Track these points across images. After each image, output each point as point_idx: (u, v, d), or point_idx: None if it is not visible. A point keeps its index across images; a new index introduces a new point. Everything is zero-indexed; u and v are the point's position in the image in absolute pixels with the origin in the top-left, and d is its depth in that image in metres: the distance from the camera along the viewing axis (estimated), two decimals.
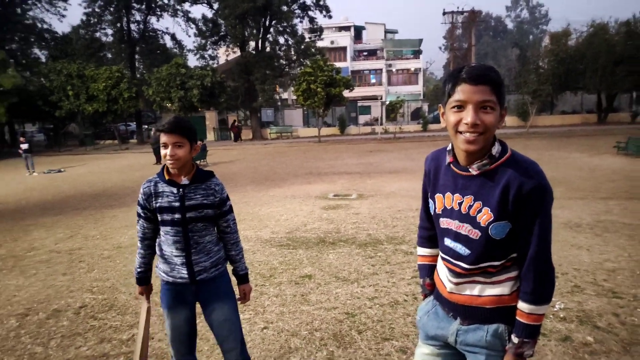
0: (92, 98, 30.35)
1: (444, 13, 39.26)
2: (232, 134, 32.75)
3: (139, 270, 2.38)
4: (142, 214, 2.27)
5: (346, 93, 28.41)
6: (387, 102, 35.78)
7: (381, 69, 49.93)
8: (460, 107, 1.44)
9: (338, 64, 33.32)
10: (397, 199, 8.92)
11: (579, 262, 4.79)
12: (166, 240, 2.25)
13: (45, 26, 42.74)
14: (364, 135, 31.88)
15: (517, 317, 1.50)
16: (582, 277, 4.34)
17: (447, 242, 1.61)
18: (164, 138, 2.15)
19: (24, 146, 18.59)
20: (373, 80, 50.32)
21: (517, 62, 34.93)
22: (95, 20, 37.07)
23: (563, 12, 64.64)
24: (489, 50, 73.50)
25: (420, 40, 53.32)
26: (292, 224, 7.20)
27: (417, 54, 51.77)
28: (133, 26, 39.18)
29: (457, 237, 1.56)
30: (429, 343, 1.75)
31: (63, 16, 64.17)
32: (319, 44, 34.22)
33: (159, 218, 2.21)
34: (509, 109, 35.69)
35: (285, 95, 43.64)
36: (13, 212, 10.02)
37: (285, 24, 32.34)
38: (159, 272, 2.31)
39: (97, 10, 36.46)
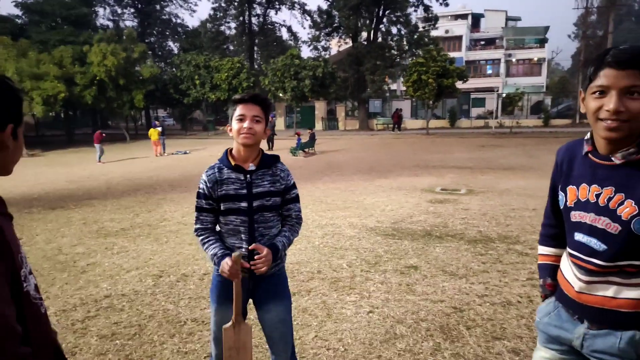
0: (215, 87, 32.96)
1: None
2: (393, 123, 31.29)
3: (221, 251, 2.01)
4: (205, 207, 2.07)
5: (459, 84, 27.21)
6: (504, 94, 33.50)
7: (499, 59, 46.81)
8: (603, 92, 1.34)
9: (452, 54, 31.95)
10: (512, 197, 8.39)
11: None
12: (228, 230, 2.07)
13: (178, 21, 47.43)
14: (476, 128, 30.27)
15: None
16: None
17: (579, 236, 1.49)
18: (241, 110, 1.99)
19: (159, 129, 20.87)
20: (489, 71, 47.41)
21: None
22: (221, 14, 40.09)
23: None
24: (629, 38, 64.87)
25: (547, 28, 48.84)
26: (398, 215, 7.16)
27: (542, 42, 47.53)
28: (254, 19, 41.70)
29: (591, 231, 1.44)
30: (550, 347, 1.65)
31: (194, 11, 70.68)
32: (433, 33, 33.12)
33: (222, 207, 2.03)
34: None
35: (393, 86, 43.12)
36: (147, 187, 11.34)
37: (399, 14, 31.86)
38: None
39: (222, 5, 39.37)
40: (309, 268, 4.74)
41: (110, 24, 42.85)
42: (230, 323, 2.02)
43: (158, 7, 46.04)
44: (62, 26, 32.06)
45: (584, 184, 1.48)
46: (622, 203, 1.37)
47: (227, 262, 1.93)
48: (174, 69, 37.28)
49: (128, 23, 45.50)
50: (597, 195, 1.43)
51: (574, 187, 1.52)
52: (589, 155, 1.48)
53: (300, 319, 3.54)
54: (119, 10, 45.54)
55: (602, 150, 1.44)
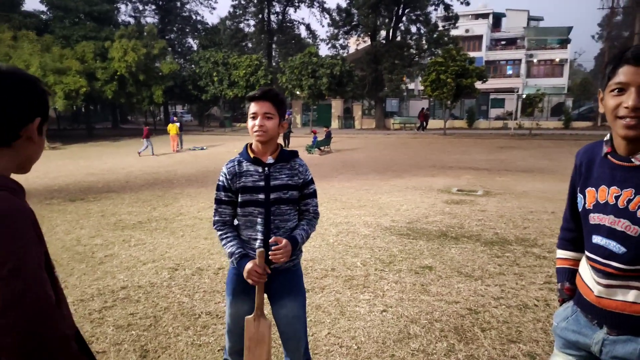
0: (233, 84, 33.17)
1: None
2: (419, 122, 30.90)
3: (238, 251, 2.05)
4: (224, 199, 2.10)
5: (478, 84, 26.85)
6: (524, 95, 32.97)
7: (520, 60, 46.09)
8: (622, 90, 1.32)
9: (472, 54, 31.54)
10: (530, 200, 8.26)
11: None
12: (245, 222, 2.10)
13: (198, 18, 47.85)
14: (495, 129, 29.88)
15: None
16: None
17: (597, 239, 1.46)
18: (253, 107, 2.04)
19: (177, 124, 21.09)
20: (510, 72, 46.71)
21: None
22: (240, 12, 40.32)
23: None
24: None
25: (570, 28, 47.92)
26: (413, 215, 7.12)
27: (564, 43, 46.63)
28: (273, 17, 41.83)
29: (610, 233, 1.42)
30: (568, 352, 1.62)
31: (214, 8, 71.02)
32: (453, 32, 32.77)
33: (240, 199, 2.06)
34: None
35: (411, 86, 42.81)
36: (164, 181, 11.48)
37: (418, 12, 31.66)
38: None
39: (242, 2, 39.55)
40: (323, 265, 4.74)
41: (132, 21, 43.40)
42: (252, 315, 2.06)
43: (179, 4, 46.54)
44: (85, 22, 32.57)
45: (603, 185, 1.46)
46: None
47: (253, 269, 1.96)
48: (192, 66, 37.62)
49: (149, 20, 46.20)
50: (617, 197, 1.41)
51: (593, 189, 1.49)
52: (608, 156, 1.46)
53: (314, 315, 3.54)
54: (141, 7, 46.12)
55: (621, 151, 1.41)
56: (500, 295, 3.91)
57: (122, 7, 48.34)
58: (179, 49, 47.86)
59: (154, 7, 46.11)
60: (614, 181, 1.42)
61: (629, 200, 1.37)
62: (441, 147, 20.26)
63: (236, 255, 2.04)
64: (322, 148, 19.20)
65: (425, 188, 9.78)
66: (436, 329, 3.31)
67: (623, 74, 1.31)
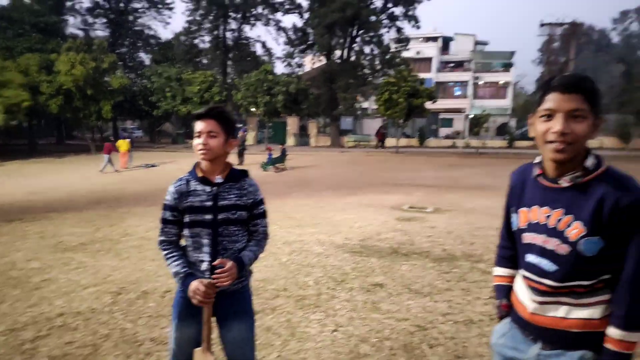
0: (186, 100, 32.59)
1: (542, 25, 37.18)
2: (376, 140, 31.56)
3: (183, 270, 1.99)
4: (170, 218, 2.04)
5: (428, 104, 27.86)
6: (472, 116, 34.50)
7: (467, 81, 48.23)
8: (550, 116, 1.40)
9: (422, 75, 32.69)
10: (477, 216, 8.56)
11: None
12: (192, 243, 2.04)
13: (151, 32, 46.90)
14: (444, 148, 31.00)
15: (606, 344, 1.39)
16: None
17: (530, 258, 1.53)
18: (198, 126, 1.99)
19: (128, 140, 20.43)
20: (458, 93, 48.72)
21: (621, 79, 32.06)
22: (195, 27, 39.94)
23: None
24: (588, 66, 68.07)
25: (513, 53, 50.75)
26: (366, 232, 7.19)
27: (507, 66, 49.29)
28: (228, 34, 41.70)
29: (542, 252, 1.48)
30: None
31: (168, 23, 70.13)
32: (405, 54, 33.96)
33: (187, 219, 2.01)
34: (607, 130, 32.79)
35: (365, 105, 43.76)
36: (111, 200, 11.03)
37: (372, 34, 32.59)
38: None
39: (197, 18, 39.27)
40: (275, 285, 4.68)
41: (81, 33, 41.97)
42: (202, 347, 1.99)
43: (131, 17, 45.51)
44: (30, 34, 31.15)
45: (535, 206, 1.52)
46: (570, 225, 1.41)
47: (198, 288, 1.90)
48: (144, 81, 36.72)
49: (99, 33, 44.69)
50: (548, 217, 1.47)
51: (526, 209, 1.55)
52: (539, 178, 1.53)
53: (264, 338, 3.47)
54: (90, 20, 44.70)
55: (550, 173, 1.48)
56: (448, 311, 3.99)
57: (71, 20, 46.64)
58: (130, 64, 46.58)
59: (104, 20, 44.83)
60: (545, 202, 1.48)
61: (559, 220, 1.44)
62: (394, 165, 20.73)
63: (181, 275, 1.98)
64: (277, 165, 19.14)
65: (378, 205, 9.93)
66: (386, 347, 3.32)
67: (550, 100, 1.39)
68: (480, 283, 4.72)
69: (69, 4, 42.05)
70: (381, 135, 31.20)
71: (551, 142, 1.39)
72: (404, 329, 3.61)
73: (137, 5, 45.39)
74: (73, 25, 52.48)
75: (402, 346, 3.33)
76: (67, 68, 26.46)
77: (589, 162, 1.41)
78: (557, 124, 1.37)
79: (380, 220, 8.21)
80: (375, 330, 3.60)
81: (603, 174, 1.40)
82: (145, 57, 47.76)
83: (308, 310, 4.03)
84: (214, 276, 1.92)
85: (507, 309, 1.72)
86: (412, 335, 3.51)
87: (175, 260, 2.02)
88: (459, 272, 5.09)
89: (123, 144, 20.27)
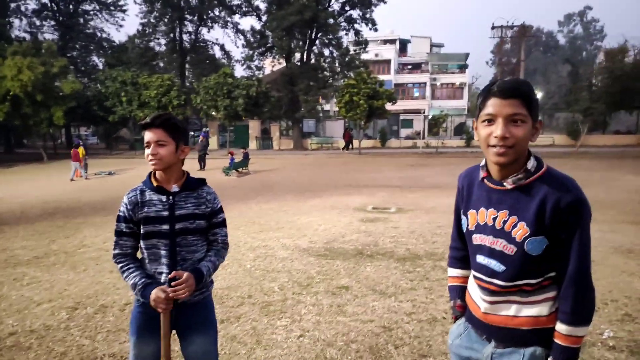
0: (143, 104, 31.65)
1: (493, 27, 38.43)
2: (345, 142, 31.34)
3: (142, 281, 1.93)
4: (125, 230, 1.98)
5: (389, 106, 28.28)
6: (430, 116, 35.33)
7: (425, 83, 49.46)
8: (491, 120, 1.45)
9: (382, 77, 33.20)
10: (438, 215, 8.77)
11: (631, 289, 4.54)
12: (149, 255, 1.99)
13: (104, 35, 45.33)
14: (405, 148, 31.57)
15: (555, 339, 1.45)
16: (633, 306, 4.11)
17: (480, 258, 1.57)
18: (146, 136, 1.94)
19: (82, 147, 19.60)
20: (416, 94, 49.88)
21: (568, 78, 33.67)
22: (150, 30, 38.93)
23: (620, 28, 61.91)
24: (538, 66, 71.31)
25: (467, 55, 52.47)
26: (330, 235, 7.21)
27: (463, 68, 50.93)
28: (185, 37, 40.92)
29: (491, 253, 1.53)
30: None
31: (121, 26, 68.12)
32: (364, 56, 34.40)
33: (143, 230, 1.95)
34: (558, 128, 34.31)
35: (327, 107, 43.99)
36: (66, 210, 10.57)
37: (331, 37, 32.81)
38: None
39: (152, 20, 38.33)
40: (239, 293, 4.62)
41: (28, 37, 40.03)
42: None
43: (81, 20, 43.83)
44: None
45: (482, 208, 1.57)
46: (515, 225, 1.46)
47: (158, 296, 1.85)
48: (98, 85, 35.44)
49: (48, 36, 42.72)
50: (494, 219, 1.52)
51: (474, 210, 1.60)
52: (485, 180, 1.58)
53: (229, 347, 3.41)
54: (38, 22, 42.72)
55: (495, 175, 1.54)
56: (412, 310, 4.06)
57: (16, 22, 44.51)
58: (83, 68, 44.86)
59: (53, 22, 42.97)
60: (491, 203, 1.54)
61: (505, 221, 1.49)
62: (357, 167, 20.92)
63: (139, 286, 1.91)
64: (239, 170, 18.93)
65: (342, 207, 9.99)
66: (352, 350, 3.34)
67: (491, 106, 1.44)
68: (442, 281, 4.82)
69: (13, 5, 40.03)
70: (348, 137, 31.36)
71: (493, 146, 1.44)
72: (370, 331, 3.65)
73: (87, 7, 43.86)
74: (18, 27, 50.15)
75: (368, 348, 3.36)
76: (13, 73, 25.14)
77: (530, 164, 1.47)
78: (497, 129, 1.42)
79: (344, 222, 8.26)
80: (341, 333, 3.62)
81: (544, 175, 1.46)
82: (98, 61, 46.16)
83: (274, 316, 4.00)
84: (170, 289, 1.87)
85: (462, 309, 1.77)
86: (377, 336, 3.55)
87: (132, 272, 1.96)
88: (422, 271, 5.19)
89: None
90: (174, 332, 2.04)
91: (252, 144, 34.82)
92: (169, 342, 1.94)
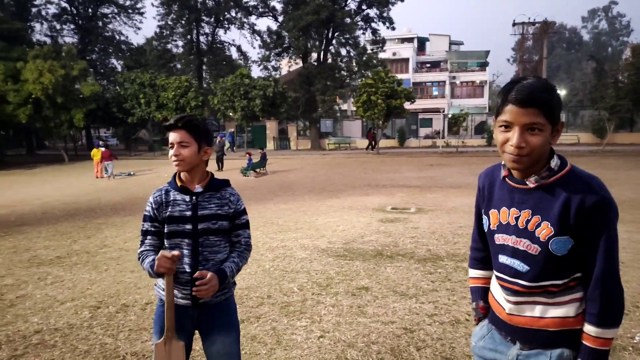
0: (161, 106, 32.09)
1: (514, 24, 37.88)
2: (369, 142, 30.80)
3: (153, 258, 1.95)
4: (151, 230, 2.03)
5: (407, 105, 28.04)
6: (450, 115, 34.90)
7: (444, 81, 48.96)
8: (508, 126, 1.41)
9: (400, 76, 32.96)
10: (459, 215, 8.63)
11: None
12: None
13: (122, 38, 46.12)
14: (424, 148, 31.26)
15: (583, 341, 1.40)
16: None
17: (503, 259, 1.53)
18: (170, 137, 1.99)
19: (102, 149, 19.96)
20: (435, 93, 49.41)
21: (593, 75, 32.85)
22: (168, 32, 39.45)
23: None
24: (561, 63, 69.98)
25: (487, 52, 51.78)
26: (349, 235, 7.16)
27: (483, 66, 50.26)
28: (202, 38, 41.32)
29: (514, 253, 1.49)
30: None
31: (139, 29, 69.06)
32: (381, 55, 34.20)
33: (167, 229, 1.99)
34: (583, 126, 33.45)
35: (344, 107, 43.91)
36: (86, 211, 10.74)
37: (347, 36, 32.72)
38: (158, 290, 2.06)
39: (169, 23, 38.82)
40: (259, 293, 4.60)
41: (48, 40, 40.86)
42: (162, 339, 1.93)
43: (100, 23, 44.62)
44: None
45: (504, 207, 1.53)
46: (539, 225, 1.42)
47: (162, 257, 1.86)
48: (117, 87, 36.02)
49: (67, 39, 43.63)
50: (517, 218, 1.48)
51: (496, 210, 1.56)
52: (506, 179, 1.54)
53: (249, 347, 3.40)
54: (58, 26, 43.61)
55: (516, 175, 1.50)
56: (434, 312, 3.98)
57: (37, 26, 45.45)
58: (102, 70, 45.69)
59: (72, 26, 43.82)
60: (513, 203, 1.50)
61: (528, 221, 1.45)
62: (375, 166, 20.80)
63: (151, 263, 1.92)
64: (257, 170, 19.00)
65: (360, 207, 9.92)
66: (373, 351, 3.28)
67: (508, 112, 1.39)
68: (465, 282, 4.73)
69: (34, 10, 40.98)
70: (372, 137, 31.04)
71: (509, 153, 1.41)
72: (391, 332, 3.59)
73: (106, 10, 44.64)
74: (39, 31, 51.30)
75: (389, 349, 3.30)
76: (35, 76, 25.70)
77: (554, 162, 1.44)
78: (513, 138, 1.38)
79: (363, 222, 8.20)
80: (362, 334, 3.57)
81: (567, 174, 1.42)
82: (117, 64, 46.93)
83: (293, 317, 3.97)
84: (194, 289, 1.88)
85: (484, 310, 1.73)
86: (399, 338, 3.49)
87: (147, 257, 1.98)
88: (444, 272, 5.10)
89: (97, 153, 19.77)
90: (196, 332, 2.06)
91: (270, 145, 34.94)
92: (173, 314, 1.92)
